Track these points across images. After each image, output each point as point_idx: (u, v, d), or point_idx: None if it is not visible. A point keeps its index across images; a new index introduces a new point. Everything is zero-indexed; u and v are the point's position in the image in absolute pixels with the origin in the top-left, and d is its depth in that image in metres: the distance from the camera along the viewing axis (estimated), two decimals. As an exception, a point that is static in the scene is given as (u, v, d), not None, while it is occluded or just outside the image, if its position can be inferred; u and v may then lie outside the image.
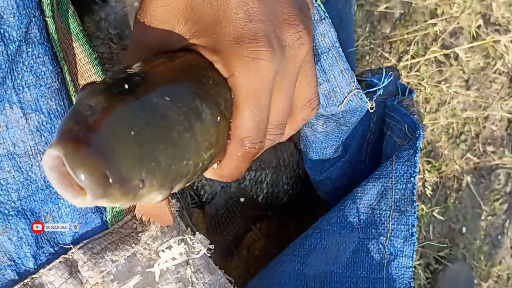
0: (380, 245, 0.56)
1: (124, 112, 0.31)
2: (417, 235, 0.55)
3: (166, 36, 0.38)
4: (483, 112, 1.24)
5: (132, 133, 0.31)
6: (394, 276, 0.55)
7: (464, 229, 1.22)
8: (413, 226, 0.56)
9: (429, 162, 1.14)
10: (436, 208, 1.12)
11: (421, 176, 1.11)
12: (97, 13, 0.56)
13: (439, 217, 1.14)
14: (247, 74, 0.36)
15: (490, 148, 1.27)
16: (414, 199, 0.57)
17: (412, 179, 0.58)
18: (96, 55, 0.48)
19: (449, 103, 1.17)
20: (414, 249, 0.56)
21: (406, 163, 0.59)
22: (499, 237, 1.30)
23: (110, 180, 0.29)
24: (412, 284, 0.55)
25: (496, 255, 1.29)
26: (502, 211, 1.31)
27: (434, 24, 1.17)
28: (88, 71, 0.47)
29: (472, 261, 1.23)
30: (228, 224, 0.71)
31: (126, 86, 0.32)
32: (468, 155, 1.24)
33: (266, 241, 0.72)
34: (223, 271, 0.52)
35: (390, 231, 0.57)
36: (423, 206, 1.09)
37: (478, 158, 1.25)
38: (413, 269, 0.56)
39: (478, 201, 1.24)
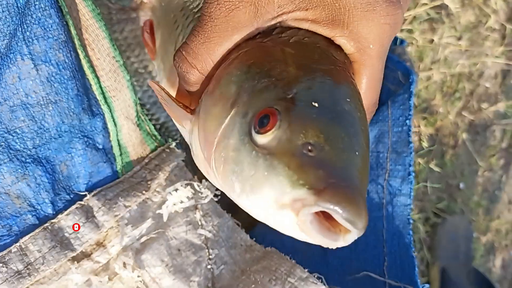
0: (379, 186, 0.59)
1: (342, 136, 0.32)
2: (415, 186, 0.57)
3: (257, 12, 0.35)
4: (477, 69, 1.26)
5: (357, 153, 0.32)
6: (393, 214, 0.58)
7: (461, 185, 1.25)
8: (410, 165, 0.59)
9: (424, 118, 1.16)
10: (434, 161, 1.14)
11: (417, 130, 1.14)
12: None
13: (436, 169, 1.17)
14: (382, 44, 0.35)
15: (484, 105, 1.30)
16: (410, 140, 0.59)
17: (407, 121, 0.60)
18: (98, 10, 0.49)
19: (442, 59, 1.18)
20: (412, 187, 0.58)
21: (401, 107, 0.61)
22: (496, 192, 1.33)
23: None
24: (411, 221, 0.58)
25: (494, 209, 1.33)
26: (498, 167, 1.34)
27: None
28: (92, 25, 0.49)
29: (471, 216, 1.26)
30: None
31: (316, 105, 0.32)
32: (463, 112, 1.26)
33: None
34: (230, 214, 0.55)
35: (388, 172, 0.59)
36: (420, 160, 1.12)
37: (473, 115, 1.27)
38: (411, 207, 0.58)
39: (474, 157, 1.27)
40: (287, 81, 0.34)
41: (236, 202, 0.35)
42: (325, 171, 0.30)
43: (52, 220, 0.47)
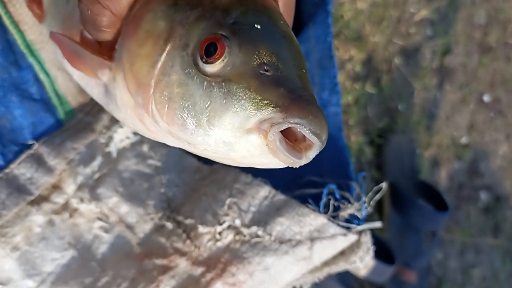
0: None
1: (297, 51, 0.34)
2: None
3: None
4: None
5: (303, 70, 0.33)
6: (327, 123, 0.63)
7: (400, 107, 1.33)
8: (334, 77, 0.64)
9: (355, 46, 1.22)
10: (370, 86, 1.21)
11: (349, 57, 1.20)
12: None
13: (373, 92, 1.24)
14: None
15: (412, 30, 1.37)
16: (332, 54, 0.64)
17: (328, 38, 0.64)
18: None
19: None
20: (339, 97, 0.63)
21: (321, 26, 0.66)
22: (433, 109, 1.42)
23: None
24: (342, 127, 0.63)
25: (433, 126, 1.42)
26: (432, 85, 1.43)
27: None
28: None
29: (412, 135, 1.35)
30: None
31: (259, 27, 0.33)
32: (393, 39, 1.33)
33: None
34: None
35: (317, 85, 0.64)
36: (356, 86, 1.19)
37: (403, 40, 1.34)
38: (341, 114, 0.63)
39: (408, 80, 1.35)
40: (223, 8, 0.33)
41: (188, 143, 0.34)
42: (286, 88, 0.30)
43: (5, 171, 0.50)
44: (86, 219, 0.52)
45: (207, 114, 0.31)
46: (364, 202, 0.52)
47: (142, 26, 0.35)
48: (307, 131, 0.30)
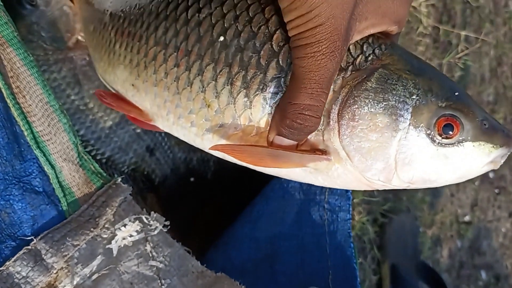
0: (320, 204, 0.62)
1: None
2: (358, 192, 0.60)
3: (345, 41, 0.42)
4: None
5: None
6: (335, 229, 0.62)
7: (405, 184, 1.32)
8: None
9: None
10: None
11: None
12: (27, 17, 0.58)
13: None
14: None
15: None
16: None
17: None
18: (32, 57, 0.50)
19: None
20: (350, 203, 0.62)
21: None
22: (438, 187, 1.40)
23: None
24: (351, 234, 0.61)
25: (437, 204, 1.40)
26: (438, 163, 1.41)
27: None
28: (23, 73, 0.50)
29: (416, 212, 1.33)
30: (182, 204, 0.75)
31: (457, 94, 0.44)
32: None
33: (220, 214, 0.77)
34: (180, 243, 0.57)
35: (327, 190, 0.63)
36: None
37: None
38: (351, 221, 0.62)
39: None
40: (436, 91, 0.42)
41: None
42: (499, 131, 0.42)
43: (0, 268, 0.48)
44: (80, 324, 0.49)
45: (454, 168, 0.42)
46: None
47: (361, 124, 0.41)
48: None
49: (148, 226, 0.55)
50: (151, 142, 0.68)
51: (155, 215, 0.56)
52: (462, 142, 0.41)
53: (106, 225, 0.54)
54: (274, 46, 0.43)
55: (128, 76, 0.51)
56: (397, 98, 0.41)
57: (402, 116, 0.41)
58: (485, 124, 0.42)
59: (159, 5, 0.50)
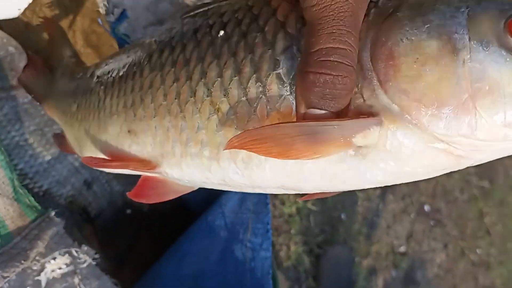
0: (243, 243, 0.68)
1: None
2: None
3: None
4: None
5: None
6: (256, 267, 0.67)
7: (343, 216, 1.39)
8: (268, 223, 0.68)
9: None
10: (311, 201, 1.27)
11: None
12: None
13: (314, 208, 1.29)
14: None
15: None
16: (267, 201, 0.68)
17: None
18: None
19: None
20: (270, 242, 0.68)
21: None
22: (374, 218, 1.48)
23: None
24: (270, 271, 0.67)
25: (373, 235, 1.48)
26: (375, 196, 1.50)
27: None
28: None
29: (353, 243, 1.40)
30: (118, 236, 0.79)
31: None
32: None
33: (155, 245, 0.80)
34: (108, 276, 0.61)
35: (250, 230, 0.68)
36: (298, 200, 1.24)
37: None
38: (270, 258, 0.67)
39: (353, 190, 1.42)
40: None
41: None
42: None
43: None
44: None
45: None
46: None
47: (405, 60, 0.32)
48: None
49: (78, 259, 0.58)
50: (89, 176, 0.72)
51: (85, 248, 0.60)
52: None
53: (36, 258, 0.57)
54: (279, 17, 0.37)
55: (123, 124, 0.46)
56: (441, 15, 0.32)
57: (457, 32, 0.32)
58: None
59: (149, 46, 0.47)
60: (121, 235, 0.77)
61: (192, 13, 0.45)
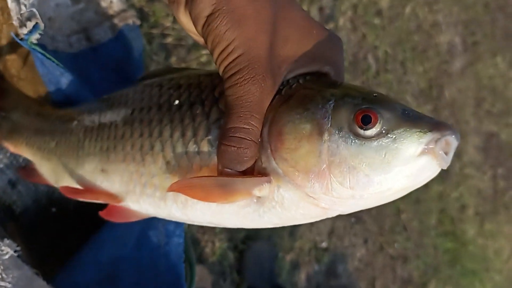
0: (159, 230, 0.75)
1: None
2: None
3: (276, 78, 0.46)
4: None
5: None
6: (170, 251, 0.74)
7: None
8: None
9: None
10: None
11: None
12: None
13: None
14: None
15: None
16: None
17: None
18: None
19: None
20: (183, 229, 0.75)
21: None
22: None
23: None
24: (183, 255, 0.74)
25: (297, 231, 1.58)
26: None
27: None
28: None
29: (277, 239, 1.50)
30: (43, 232, 0.83)
31: (376, 95, 0.44)
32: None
33: (81, 242, 0.85)
34: (29, 266, 0.66)
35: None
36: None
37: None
38: (183, 244, 0.74)
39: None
40: (348, 93, 0.44)
41: (369, 195, 0.41)
42: (425, 118, 0.42)
43: None
44: None
45: (387, 161, 0.40)
46: None
47: (288, 137, 0.43)
48: (454, 139, 0.41)
49: (0, 251, 0.63)
50: (14, 176, 0.76)
51: (7, 241, 0.65)
52: (386, 133, 0.41)
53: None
54: (216, 94, 0.49)
55: (98, 163, 0.57)
56: (315, 105, 0.43)
57: (323, 119, 0.42)
58: (406, 112, 0.42)
59: (125, 104, 0.58)
60: (46, 232, 0.82)
61: (153, 79, 0.58)
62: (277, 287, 1.37)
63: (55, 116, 0.68)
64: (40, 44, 0.65)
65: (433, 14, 2.32)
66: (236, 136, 0.43)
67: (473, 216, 2.47)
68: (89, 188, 0.59)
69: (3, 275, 0.63)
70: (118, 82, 0.83)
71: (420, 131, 0.40)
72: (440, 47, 2.36)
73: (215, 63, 0.46)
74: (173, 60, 1.17)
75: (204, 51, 1.26)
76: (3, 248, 0.64)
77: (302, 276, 1.58)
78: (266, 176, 0.44)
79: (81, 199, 0.61)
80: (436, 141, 0.40)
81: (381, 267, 1.91)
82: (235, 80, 0.43)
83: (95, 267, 0.70)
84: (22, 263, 0.65)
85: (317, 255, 1.64)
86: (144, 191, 0.52)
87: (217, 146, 0.45)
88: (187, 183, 0.46)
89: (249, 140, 0.43)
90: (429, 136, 0.40)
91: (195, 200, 0.48)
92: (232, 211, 0.47)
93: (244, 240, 1.38)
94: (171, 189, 0.46)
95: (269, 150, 0.44)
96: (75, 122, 0.64)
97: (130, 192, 0.54)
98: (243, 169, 0.44)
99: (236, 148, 0.43)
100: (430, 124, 0.41)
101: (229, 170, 0.44)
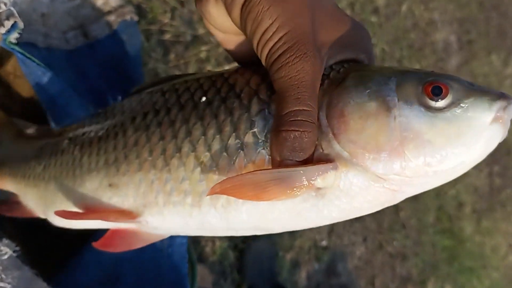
0: (161, 229, 0.73)
1: None
2: None
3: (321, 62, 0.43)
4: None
5: None
6: (173, 252, 0.72)
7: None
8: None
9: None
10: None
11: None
12: None
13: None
14: None
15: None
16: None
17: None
18: None
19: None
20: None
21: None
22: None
23: None
24: (186, 255, 0.72)
25: (297, 231, 1.57)
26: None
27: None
28: None
29: (277, 238, 1.49)
30: (43, 233, 0.81)
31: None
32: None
33: (82, 243, 0.84)
34: (29, 267, 0.64)
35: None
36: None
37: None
38: (186, 244, 0.73)
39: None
40: (408, 70, 0.43)
41: (443, 172, 0.40)
42: (487, 88, 0.42)
43: None
44: None
45: (463, 131, 0.39)
46: None
47: (352, 117, 0.41)
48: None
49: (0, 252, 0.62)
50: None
51: (6, 241, 0.63)
52: (458, 103, 0.40)
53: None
54: (252, 86, 0.45)
55: (103, 179, 0.50)
56: (377, 83, 0.42)
57: (389, 95, 0.41)
58: (472, 85, 0.41)
59: (132, 109, 0.53)
60: (46, 232, 0.80)
61: (154, 87, 0.53)
62: (277, 286, 1.36)
63: (40, 137, 0.63)
64: (29, 42, 0.63)
65: (429, 12, 2.32)
66: (298, 120, 0.40)
67: (470, 213, 2.47)
68: (93, 208, 0.51)
69: (3, 275, 0.62)
70: (115, 79, 0.81)
71: (490, 99, 0.40)
72: (436, 45, 2.36)
73: (256, 49, 0.42)
74: (171, 56, 1.16)
75: (203, 48, 1.25)
76: (2, 248, 0.62)
77: (302, 275, 1.57)
78: (330, 162, 0.40)
79: (81, 224, 0.55)
80: (504, 108, 0.40)
81: (381, 265, 1.91)
82: (285, 60, 0.40)
83: (97, 267, 0.68)
84: (22, 264, 0.64)
85: (317, 253, 1.63)
86: (170, 200, 0.46)
87: (272, 136, 0.41)
88: (236, 181, 0.40)
89: (311, 122, 0.40)
90: (498, 104, 0.40)
91: (240, 202, 0.43)
92: (286, 209, 0.43)
93: (244, 239, 1.37)
94: (213, 191, 0.40)
95: (330, 134, 0.41)
96: (66, 141, 0.58)
97: (150, 204, 0.47)
98: (306, 156, 0.40)
99: (300, 133, 0.39)
100: (497, 94, 0.41)
101: (289, 161, 0.40)
